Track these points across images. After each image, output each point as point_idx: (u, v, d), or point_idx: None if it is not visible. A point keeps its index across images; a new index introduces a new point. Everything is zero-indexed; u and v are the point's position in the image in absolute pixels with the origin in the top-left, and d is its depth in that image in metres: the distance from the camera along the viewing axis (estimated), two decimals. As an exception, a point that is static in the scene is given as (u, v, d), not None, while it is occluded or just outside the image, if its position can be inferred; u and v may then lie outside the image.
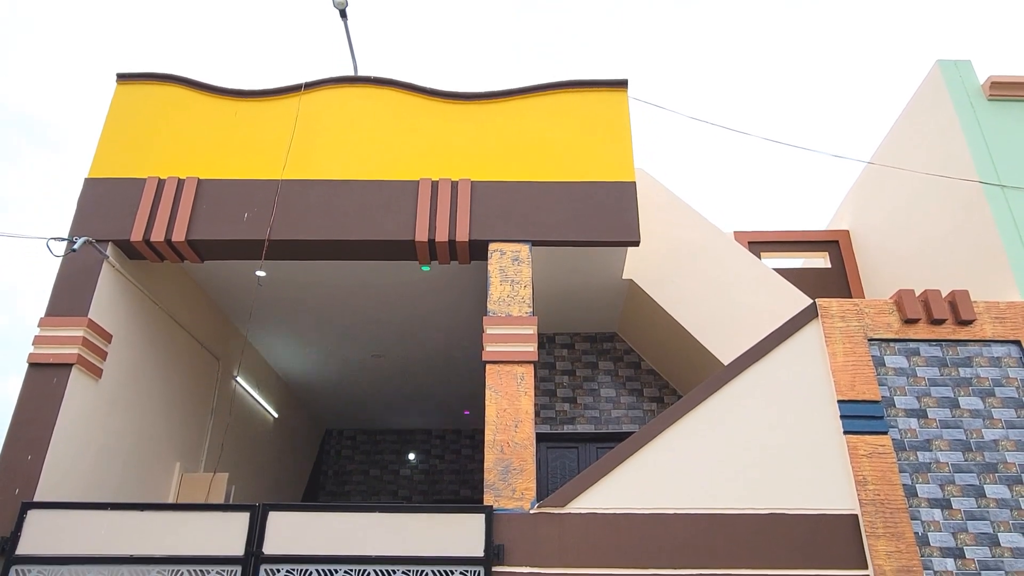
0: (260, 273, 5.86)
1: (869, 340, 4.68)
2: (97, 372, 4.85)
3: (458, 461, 10.17)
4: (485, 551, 4.09)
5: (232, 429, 7.10)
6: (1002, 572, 4.06)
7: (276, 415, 8.44)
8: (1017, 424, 4.44)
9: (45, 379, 4.58)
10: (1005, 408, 4.49)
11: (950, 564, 4.09)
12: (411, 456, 10.20)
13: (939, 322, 4.69)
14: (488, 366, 4.71)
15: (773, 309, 5.78)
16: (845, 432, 4.39)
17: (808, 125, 32.98)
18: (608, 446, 6.70)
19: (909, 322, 4.71)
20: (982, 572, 4.06)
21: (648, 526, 4.19)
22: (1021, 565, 4.08)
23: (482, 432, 10.00)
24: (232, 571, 4.01)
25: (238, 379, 7.24)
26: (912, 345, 4.68)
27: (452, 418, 9.98)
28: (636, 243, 5.18)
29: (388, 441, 10.35)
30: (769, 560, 4.11)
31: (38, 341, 4.69)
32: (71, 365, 4.61)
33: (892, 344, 4.69)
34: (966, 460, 4.35)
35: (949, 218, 6.17)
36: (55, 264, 4.94)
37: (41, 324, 4.74)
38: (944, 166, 6.19)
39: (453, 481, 10.07)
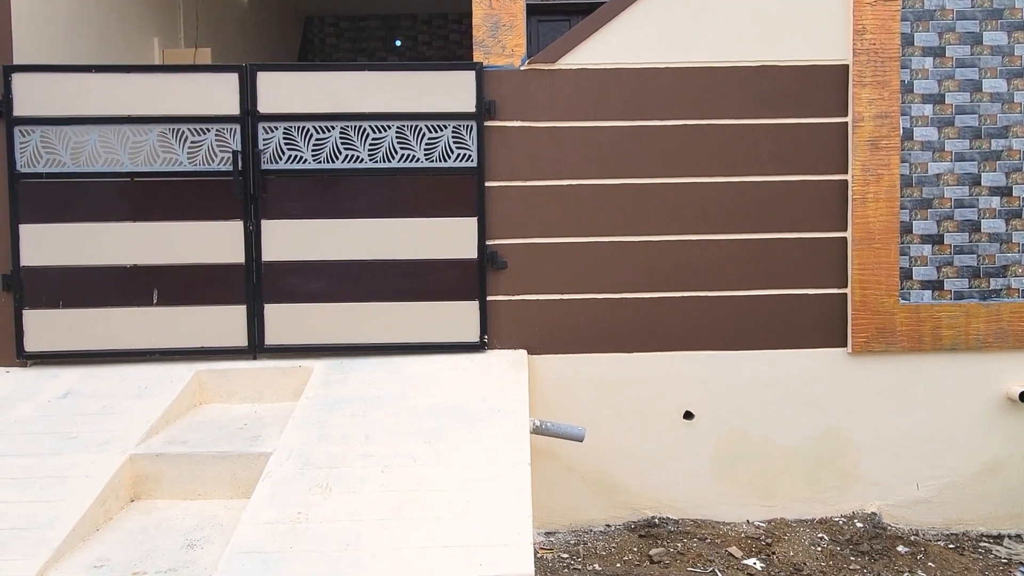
0: None
1: None
2: (37, -74, 4.36)
3: (446, 48, 9.90)
4: (476, 106, 4.16)
5: (205, 12, 6.71)
6: (976, 115, 4.22)
7: (249, -4, 7.93)
8: (1038, -34, 4.18)
9: (-19, -67, 4.12)
10: (1031, -52, 4.18)
11: (928, 110, 4.22)
12: (397, 43, 9.90)
13: None
14: (472, -91, 4.22)
15: None
16: (853, -21, 4.15)
17: None
18: (601, 17, 6.41)
19: None
20: (956, 116, 4.22)
21: (637, 80, 4.21)
22: (996, 109, 4.22)
23: (469, 17, 9.55)
24: (231, 129, 4.12)
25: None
26: None
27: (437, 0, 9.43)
28: None
29: (373, 28, 9.93)
30: (754, 110, 4.22)
31: None
32: (4, -86, 4.11)
33: None
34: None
35: None
36: None
37: None
38: None
39: (443, 68, 9.94)
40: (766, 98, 4.22)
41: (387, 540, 2.86)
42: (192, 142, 4.12)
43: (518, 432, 3.54)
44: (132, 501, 3.39)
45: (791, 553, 3.95)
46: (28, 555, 2.78)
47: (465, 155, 4.18)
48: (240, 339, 4.18)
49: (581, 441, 3.94)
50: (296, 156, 4.15)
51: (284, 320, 4.19)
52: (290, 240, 4.17)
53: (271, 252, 4.17)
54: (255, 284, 4.16)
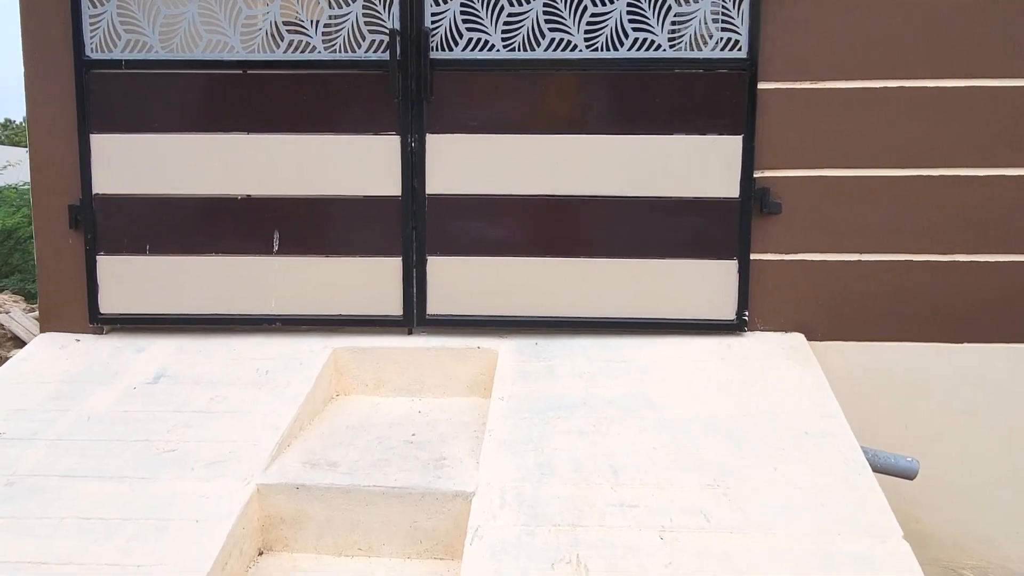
0: None
1: None
2: None
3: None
4: (752, -36, 2.74)
5: None
6: None
7: None
8: None
9: None
10: None
11: None
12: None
13: None
14: None
15: None
16: None
17: None
18: None
19: None
20: None
21: (1003, -75, 2.72)
22: None
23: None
24: (386, -2, 2.80)
25: None
26: None
27: None
28: None
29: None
30: None
31: None
32: None
33: None
34: None
35: None
36: None
37: None
38: None
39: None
40: None
41: None
42: (329, 17, 2.83)
43: (854, 474, 2.22)
44: (261, 554, 2.23)
45: None
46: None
47: (730, 40, 2.78)
48: (392, 305, 2.95)
49: (912, 479, 2.62)
50: (479, 40, 2.82)
51: (453, 280, 2.93)
52: (466, 165, 2.87)
53: (438, 182, 2.89)
54: (415, 227, 2.90)
